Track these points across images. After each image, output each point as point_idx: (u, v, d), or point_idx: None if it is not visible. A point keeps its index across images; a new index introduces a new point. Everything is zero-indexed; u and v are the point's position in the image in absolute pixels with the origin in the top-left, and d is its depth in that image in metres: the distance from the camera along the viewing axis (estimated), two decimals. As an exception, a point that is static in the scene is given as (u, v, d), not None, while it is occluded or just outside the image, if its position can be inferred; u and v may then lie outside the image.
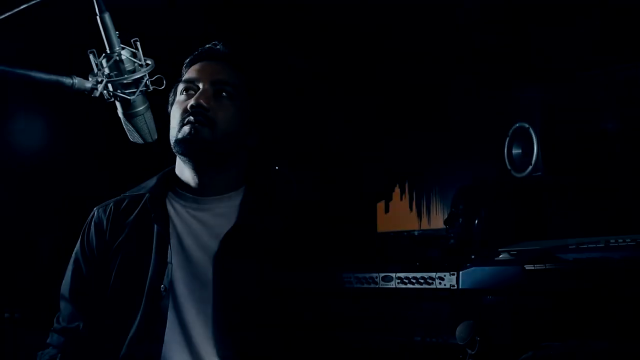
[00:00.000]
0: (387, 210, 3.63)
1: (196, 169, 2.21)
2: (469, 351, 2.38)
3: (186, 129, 2.14)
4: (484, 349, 2.32)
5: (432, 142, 3.48)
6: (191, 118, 2.14)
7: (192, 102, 2.16)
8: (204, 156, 2.18)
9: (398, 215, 3.58)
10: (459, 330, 2.41)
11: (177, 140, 2.16)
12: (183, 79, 2.24)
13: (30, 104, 3.48)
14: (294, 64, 3.70)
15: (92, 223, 2.25)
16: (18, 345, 3.35)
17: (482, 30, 3.15)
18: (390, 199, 3.61)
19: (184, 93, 2.22)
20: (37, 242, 3.60)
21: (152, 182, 2.28)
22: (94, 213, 2.27)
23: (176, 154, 2.21)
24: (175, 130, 2.18)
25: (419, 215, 3.49)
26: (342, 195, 3.72)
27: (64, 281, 2.24)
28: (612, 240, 2.34)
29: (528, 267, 2.30)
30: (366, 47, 3.59)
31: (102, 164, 3.60)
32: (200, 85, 2.21)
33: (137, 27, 1.85)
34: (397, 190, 3.58)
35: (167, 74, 1.86)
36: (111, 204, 2.27)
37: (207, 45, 2.28)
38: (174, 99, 2.26)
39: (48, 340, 2.22)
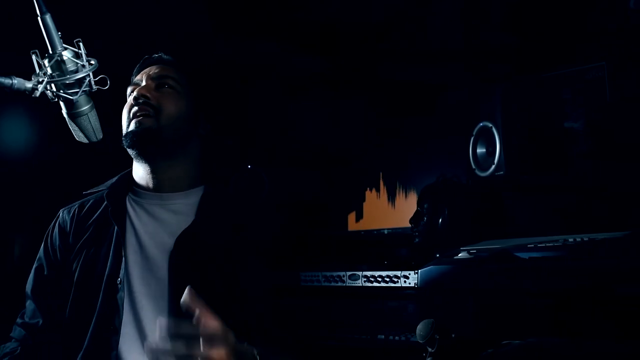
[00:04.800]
0: (358, 208, 3.64)
1: (148, 162, 2.25)
2: (429, 349, 2.39)
3: (132, 123, 2.21)
4: (443, 347, 2.33)
5: (404, 142, 3.50)
6: (135, 109, 2.21)
7: (134, 94, 2.23)
8: (152, 146, 2.22)
9: (369, 213, 3.59)
10: (419, 328, 2.41)
11: (125, 135, 2.22)
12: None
13: (6, 105, 3.49)
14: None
15: (57, 225, 2.31)
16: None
17: (448, 32, 3.17)
18: (363, 198, 3.62)
19: (130, 95, 2.29)
20: (12, 240, 3.61)
21: (112, 180, 2.34)
22: (59, 215, 2.33)
23: (127, 148, 2.25)
24: (125, 127, 2.25)
25: (390, 214, 3.50)
26: (314, 193, 3.73)
27: (28, 280, 2.30)
28: (569, 239, 2.34)
29: (485, 266, 2.30)
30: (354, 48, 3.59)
31: (81, 164, 3.60)
32: (143, 83, 2.28)
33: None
34: (369, 189, 3.59)
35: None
36: (76, 206, 2.33)
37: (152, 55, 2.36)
38: None
39: (11, 334, 2.29)
